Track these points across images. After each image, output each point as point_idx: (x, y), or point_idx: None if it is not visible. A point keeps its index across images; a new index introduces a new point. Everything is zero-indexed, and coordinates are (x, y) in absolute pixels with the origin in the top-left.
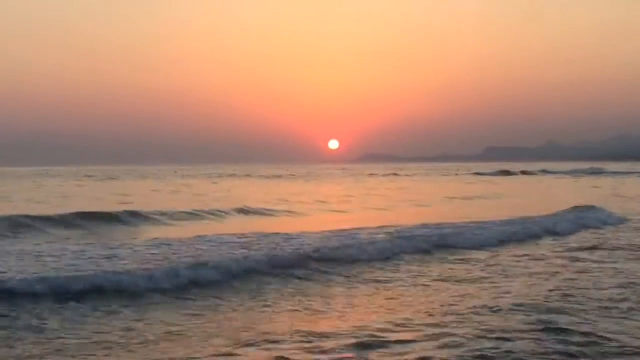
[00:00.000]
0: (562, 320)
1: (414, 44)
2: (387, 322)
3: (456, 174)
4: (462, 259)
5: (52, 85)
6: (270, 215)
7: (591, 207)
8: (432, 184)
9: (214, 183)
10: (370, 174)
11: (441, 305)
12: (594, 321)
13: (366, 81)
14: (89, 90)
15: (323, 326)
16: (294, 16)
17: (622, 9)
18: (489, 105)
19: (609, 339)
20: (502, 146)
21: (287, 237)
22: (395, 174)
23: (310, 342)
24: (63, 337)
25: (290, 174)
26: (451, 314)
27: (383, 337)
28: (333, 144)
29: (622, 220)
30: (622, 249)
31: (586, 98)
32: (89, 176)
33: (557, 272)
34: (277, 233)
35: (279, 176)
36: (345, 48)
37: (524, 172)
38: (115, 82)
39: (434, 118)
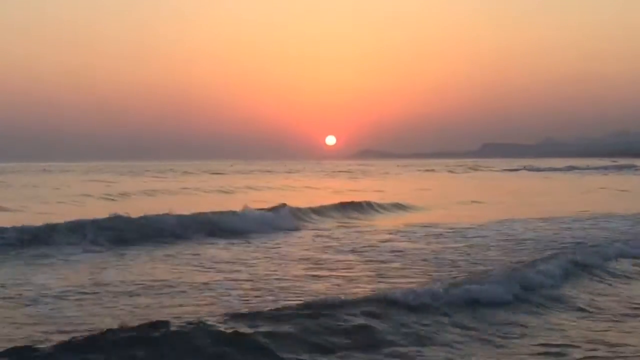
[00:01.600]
0: None
1: (411, 41)
2: None
3: (483, 170)
4: None
5: (46, 81)
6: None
7: None
8: (535, 179)
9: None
10: (425, 171)
11: None
12: None
13: (363, 77)
14: (82, 86)
15: None
16: (291, 13)
17: (621, 7)
18: (486, 102)
19: None
20: (499, 143)
21: None
22: (431, 170)
23: None
24: None
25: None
26: None
27: None
28: (330, 140)
29: None
30: None
31: (584, 95)
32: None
33: None
34: None
35: (339, 172)
36: (342, 45)
37: (552, 169)
38: (110, 78)
39: (430, 115)
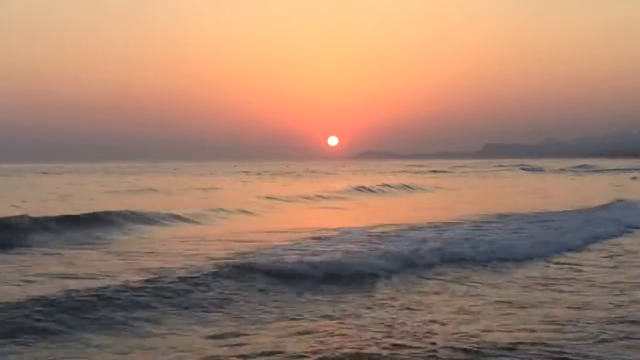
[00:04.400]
0: None
1: (413, 42)
2: None
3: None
4: None
5: (44, 82)
6: None
7: None
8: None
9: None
10: (492, 171)
11: None
12: None
13: (365, 78)
14: (82, 88)
15: None
16: (294, 14)
17: (622, 7)
18: (488, 103)
19: None
20: (501, 143)
21: None
22: (496, 172)
23: None
24: None
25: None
26: None
27: None
28: (332, 141)
29: None
30: None
31: (585, 95)
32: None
33: None
34: None
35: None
36: (344, 46)
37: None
38: (111, 79)
39: (432, 115)
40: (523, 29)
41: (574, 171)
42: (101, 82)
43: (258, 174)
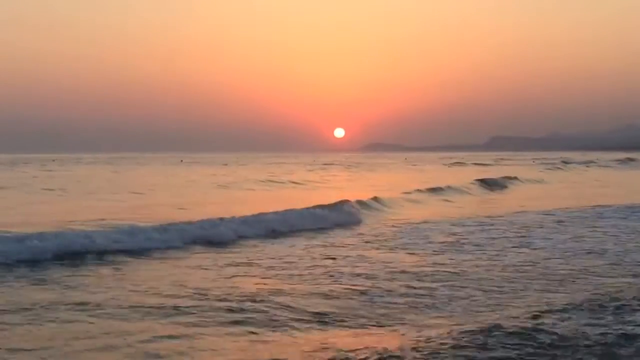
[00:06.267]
0: None
1: (420, 36)
2: None
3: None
4: None
5: (52, 74)
6: None
7: None
8: None
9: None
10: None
11: None
12: None
13: (372, 71)
14: (90, 79)
15: None
16: (301, 7)
17: (627, 1)
18: (494, 96)
19: None
20: (507, 136)
21: None
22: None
23: None
24: None
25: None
26: None
27: None
28: (339, 133)
29: None
30: None
31: (591, 88)
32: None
33: None
34: None
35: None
36: (351, 38)
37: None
38: (122, 71)
39: (439, 108)
40: (530, 24)
41: (624, 164)
42: (103, 73)
43: (311, 165)
